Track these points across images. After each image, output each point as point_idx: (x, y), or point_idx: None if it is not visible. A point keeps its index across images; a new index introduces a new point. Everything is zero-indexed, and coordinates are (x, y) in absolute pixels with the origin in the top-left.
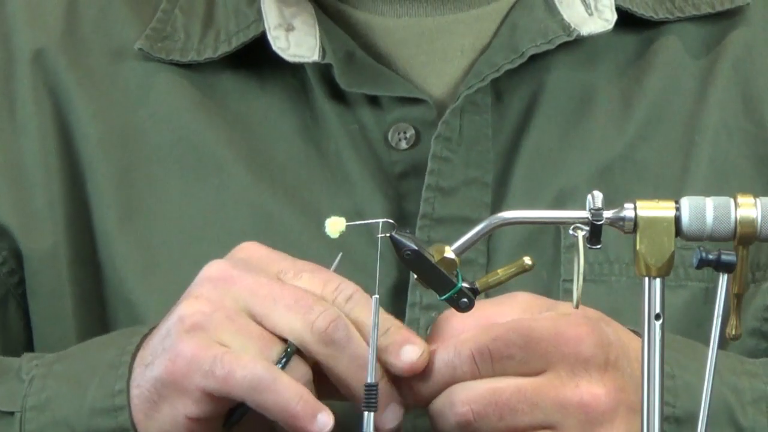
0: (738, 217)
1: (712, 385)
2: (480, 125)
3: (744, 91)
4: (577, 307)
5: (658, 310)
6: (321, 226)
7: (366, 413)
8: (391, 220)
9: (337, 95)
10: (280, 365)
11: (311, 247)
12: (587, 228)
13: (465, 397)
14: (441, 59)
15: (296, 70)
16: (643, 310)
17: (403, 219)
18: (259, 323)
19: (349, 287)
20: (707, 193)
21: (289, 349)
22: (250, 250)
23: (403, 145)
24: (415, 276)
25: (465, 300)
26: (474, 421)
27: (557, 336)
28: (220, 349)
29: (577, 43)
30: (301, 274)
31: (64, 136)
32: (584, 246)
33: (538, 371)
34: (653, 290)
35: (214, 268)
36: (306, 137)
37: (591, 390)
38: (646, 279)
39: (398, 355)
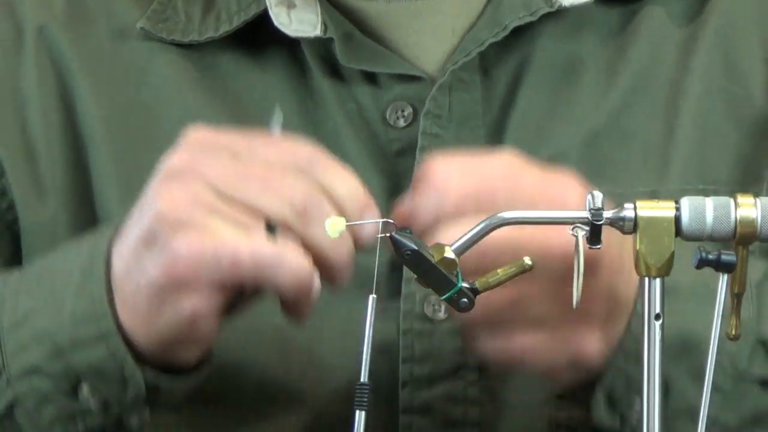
0: (738, 217)
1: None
2: (469, 103)
3: (726, 55)
4: (577, 307)
5: (658, 310)
6: None
7: (357, 412)
8: (390, 220)
9: (335, 74)
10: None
11: None
12: (587, 228)
13: (451, 236)
14: (432, 38)
15: (294, 50)
16: (643, 310)
17: (400, 196)
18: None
19: (304, 152)
20: (693, 156)
21: (272, 227)
22: (199, 135)
23: (401, 123)
24: (415, 276)
25: (465, 300)
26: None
27: (544, 188)
28: (217, 238)
29: (561, 15)
30: (255, 150)
31: (67, 111)
32: (584, 246)
33: None
34: (653, 290)
35: (175, 160)
36: (305, 116)
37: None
38: (646, 279)
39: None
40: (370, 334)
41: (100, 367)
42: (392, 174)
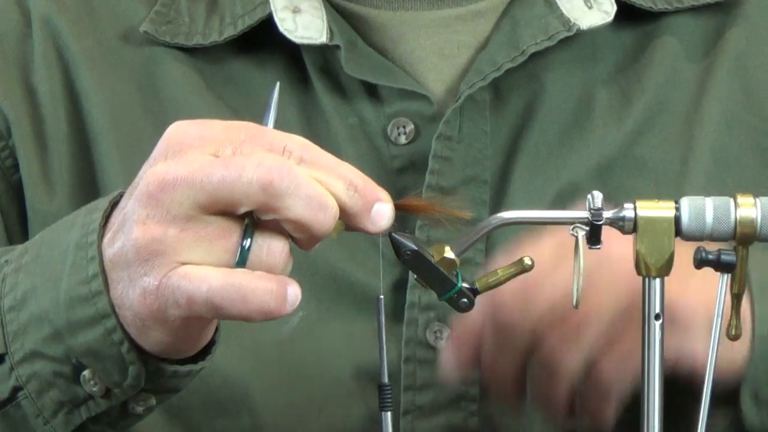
0: (738, 217)
1: None
2: (479, 123)
3: (745, 83)
4: (576, 307)
5: (657, 310)
6: None
7: (383, 414)
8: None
9: (336, 87)
10: (246, 246)
11: None
12: (587, 228)
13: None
14: (438, 55)
15: (297, 58)
16: (643, 310)
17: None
18: (214, 211)
19: (295, 142)
20: (709, 186)
21: (247, 230)
22: (179, 135)
23: (402, 140)
24: (415, 276)
25: (465, 300)
26: None
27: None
28: (176, 275)
29: (577, 38)
30: (240, 147)
31: (74, 106)
32: (584, 246)
33: None
34: (653, 290)
35: (151, 179)
36: (305, 128)
37: None
38: (646, 279)
39: (370, 220)
40: (383, 336)
41: (98, 349)
42: (393, 191)
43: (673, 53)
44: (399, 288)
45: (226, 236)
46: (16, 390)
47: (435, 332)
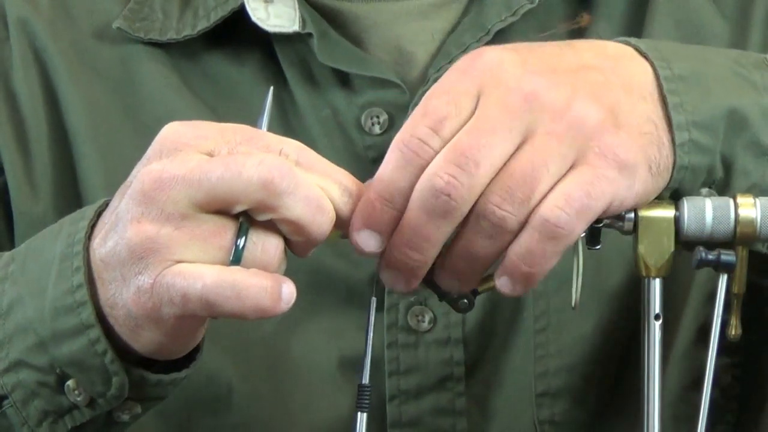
0: (738, 217)
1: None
2: None
3: (678, 18)
4: (575, 307)
5: (657, 311)
6: None
7: (359, 414)
8: None
9: (309, 79)
10: (241, 245)
11: None
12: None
13: None
14: (411, 43)
15: (271, 52)
16: (643, 311)
17: None
18: (210, 209)
19: (292, 146)
20: None
21: (242, 227)
22: (175, 135)
23: (377, 129)
24: None
25: (465, 301)
26: None
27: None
28: (170, 273)
29: (535, 12)
30: (237, 148)
31: (53, 106)
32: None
33: None
34: (653, 290)
35: (145, 179)
36: (280, 120)
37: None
38: (646, 279)
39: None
40: (371, 336)
41: (81, 359)
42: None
43: (607, 13)
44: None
45: (221, 234)
46: (1, 399)
47: (417, 316)
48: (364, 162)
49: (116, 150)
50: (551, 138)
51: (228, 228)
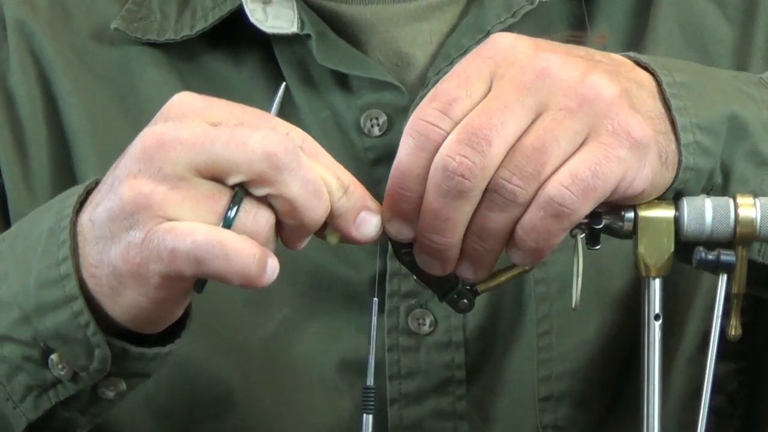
0: (737, 217)
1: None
2: None
3: (682, 22)
4: (575, 307)
5: (657, 311)
6: None
7: (364, 416)
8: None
9: (308, 81)
10: (231, 215)
11: None
12: (586, 231)
13: None
14: (410, 45)
15: (269, 53)
16: (643, 311)
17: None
18: (207, 175)
19: (298, 133)
20: None
21: (237, 195)
22: (183, 104)
23: (376, 131)
24: (414, 276)
25: (464, 301)
26: None
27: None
28: (161, 229)
29: (535, 11)
30: (240, 121)
31: (51, 108)
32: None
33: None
34: (653, 290)
35: (148, 138)
36: None
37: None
38: (646, 279)
39: (355, 225)
40: (374, 337)
41: (64, 332)
42: (368, 183)
43: (609, 13)
44: (380, 280)
45: (215, 199)
46: None
47: (418, 319)
48: (363, 163)
49: (114, 151)
50: (564, 113)
51: (223, 194)
